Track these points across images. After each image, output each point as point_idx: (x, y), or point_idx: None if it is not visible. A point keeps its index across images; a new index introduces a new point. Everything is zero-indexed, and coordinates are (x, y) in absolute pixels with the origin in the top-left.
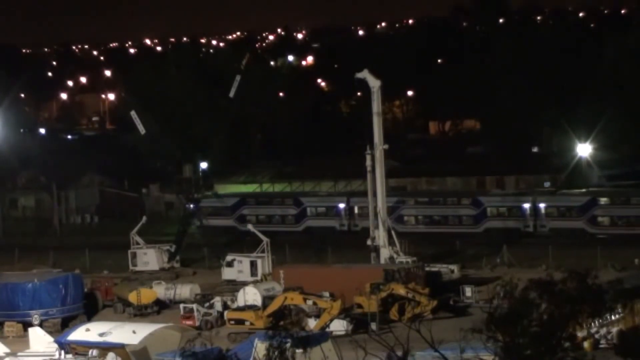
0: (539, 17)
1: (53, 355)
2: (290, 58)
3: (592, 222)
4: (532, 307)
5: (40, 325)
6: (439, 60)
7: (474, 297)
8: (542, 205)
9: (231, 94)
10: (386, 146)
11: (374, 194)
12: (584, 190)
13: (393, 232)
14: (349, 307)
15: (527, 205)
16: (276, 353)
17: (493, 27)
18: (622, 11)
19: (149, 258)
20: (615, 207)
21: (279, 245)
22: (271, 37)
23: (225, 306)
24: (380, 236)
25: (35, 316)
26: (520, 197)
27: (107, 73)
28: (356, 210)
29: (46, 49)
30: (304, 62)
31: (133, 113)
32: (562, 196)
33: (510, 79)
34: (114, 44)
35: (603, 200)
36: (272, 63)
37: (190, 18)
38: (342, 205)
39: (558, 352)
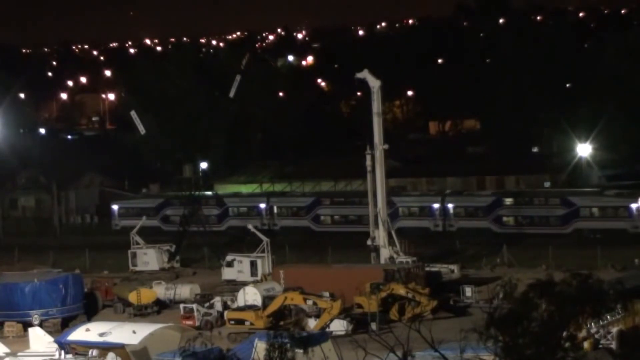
0: (539, 17)
1: (53, 355)
2: (290, 58)
3: (498, 221)
4: (532, 307)
5: (40, 325)
6: (439, 60)
7: (474, 297)
8: (450, 206)
9: (231, 94)
10: (386, 146)
11: (374, 194)
12: (489, 192)
13: (393, 232)
14: (349, 307)
15: (436, 206)
16: (276, 353)
17: (493, 27)
18: (622, 11)
19: (149, 258)
20: (519, 207)
21: (279, 245)
22: (271, 37)
23: (225, 306)
24: (380, 236)
25: (35, 316)
26: (430, 197)
27: (107, 73)
28: (275, 210)
29: (46, 49)
30: (304, 62)
31: (133, 113)
32: (470, 197)
33: (510, 79)
34: (114, 44)
35: (508, 200)
36: (272, 63)
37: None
38: (262, 205)
39: (558, 352)
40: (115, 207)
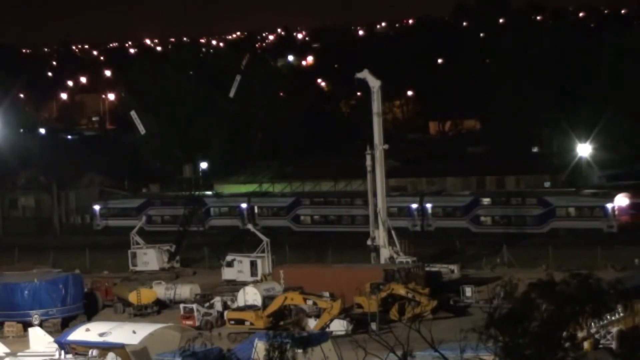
0: (539, 17)
1: (53, 355)
2: (290, 58)
3: (475, 221)
4: (532, 307)
5: (40, 325)
6: (439, 60)
7: (474, 297)
8: (428, 206)
9: (231, 94)
10: (386, 146)
11: (374, 194)
12: (467, 192)
13: (393, 232)
14: (349, 307)
15: (414, 206)
16: (276, 353)
17: (493, 27)
18: (622, 11)
19: (149, 258)
20: (496, 207)
21: (279, 245)
22: (271, 37)
23: (225, 306)
24: (380, 236)
25: (35, 316)
26: (409, 197)
27: (107, 73)
28: (256, 210)
29: (46, 49)
30: (304, 62)
31: (133, 113)
32: (448, 197)
33: (510, 79)
34: (114, 44)
35: (485, 200)
36: (272, 63)
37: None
38: (244, 205)
39: (558, 352)
40: (96, 207)
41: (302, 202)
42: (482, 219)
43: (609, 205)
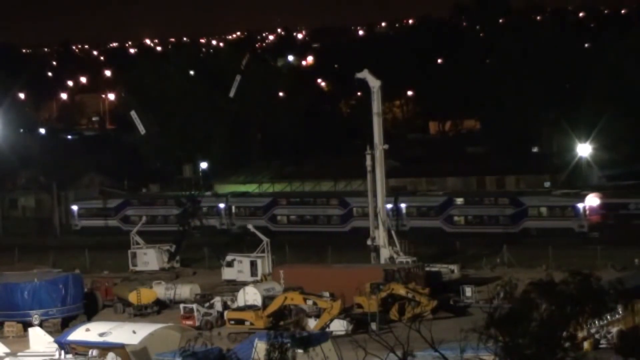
0: (539, 17)
1: (53, 355)
2: (290, 58)
3: (449, 221)
4: (532, 307)
5: (40, 325)
6: (439, 60)
7: (474, 297)
8: (403, 205)
9: (231, 94)
10: (386, 146)
11: (374, 194)
12: (441, 193)
13: (393, 232)
14: (349, 307)
15: (389, 206)
16: (276, 353)
17: (493, 27)
18: (622, 11)
19: (149, 258)
20: (469, 207)
21: (279, 245)
22: (271, 37)
23: (225, 306)
24: (380, 236)
25: (35, 316)
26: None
27: (107, 73)
28: (234, 210)
29: (46, 49)
30: (304, 62)
31: (133, 113)
32: (422, 197)
33: (510, 79)
34: (114, 44)
35: (459, 200)
36: (272, 63)
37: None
38: (221, 205)
39: (558, 352)
40: (74, 207)
41: (278, 202)
42: (456, 218)
43: (580, 205)
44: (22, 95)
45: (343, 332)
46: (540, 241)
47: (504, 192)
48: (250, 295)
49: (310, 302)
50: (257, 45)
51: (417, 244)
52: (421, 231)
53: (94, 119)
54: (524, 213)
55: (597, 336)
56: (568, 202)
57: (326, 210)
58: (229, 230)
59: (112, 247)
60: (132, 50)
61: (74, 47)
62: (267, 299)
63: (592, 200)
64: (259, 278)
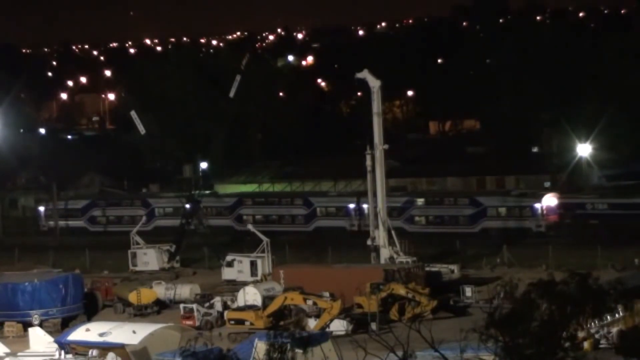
0: (539, 17)
1: (53, 355)
2: (290, 58)
3: (410, 221)
4: (532, 307)
5: (40, 325)
6: (439, 60)
7: (474, 297)
8: (365, 206)
9: (231, 94)
10: (386, 146)
11: (374, 194)
12: (400, 193)
13: (393, 232)
14: (349, 307)
15: (352, 206)
16: (276, 353)
17: (493, 27)
18: (622, 11)
19: (149, 258)
20: (430, 208)
21: (279, 246)
22: (271, 37)
23: (225, 306)
24: (380, 236)
25: (35, 316)
26: (346, 197)
27: (107, 73)
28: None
29: (46, 49)
30: (304, 62)
31: (133, 113)
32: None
33: (510, 79)
34: (114, 44)
35: (420, 200)
36: (272, 63)
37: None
38: (188, 206)
39: (558, 352)
40: (41, 208)
41: (244, 202)
42: (417, 218)
43: (538, 205)
44: (22, 95)
45: (343, 332)
46: (540, 241)
47: (464, 193)
48: (250, 295)
49: (310, 302)
50: (257, 45)
51: (417, 244)
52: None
53: (94, 119)
54: (483, 213)
55: (597, 336)
56: (526, 202)
57: (290, 210)
58: (196, 230)
59: (112, 247)
60: (132, 50)
61: (74, 47)
62: (267, 299)
63: (550, 200)
64: (259, 278)
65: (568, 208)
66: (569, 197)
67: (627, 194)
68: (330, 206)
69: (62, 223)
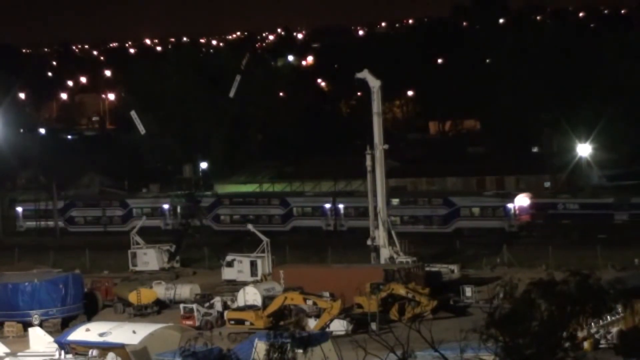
0: (538, 17)
1: (53, 355)
2: (290, 58)
3: None
4: (532, 307)
5: (40, 325)
6: (439, 61)
7: (474, 297)
8: (341, 206)
9: (231, 94)
10: (386, 146)
11: (374, 194)
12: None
13: (393, 232)
14: (349, 307)
15: (328, 206)
16: (276, 353)
17: (493, 27)
18: (622, 11)
19: (149, 258)
20: (404, 208)
21: (279, 246)
22: (271, 37)
23: (225, 306)
24: (380, 236)
25: (35, 316)
26: (322, 197)
27: (107, 73)
28: (179, 210)
29: (46, 49)
30: (304, 62)
31: (133, 113)
32: (359, 197)
33: (510, 79)
34: (114, 44)
35: (394, 201)
36: (272, 63)
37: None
38: (165, 206)
39: (558, 352)
40: (19, 209)
41: (222, 202)
42: (392, 218)
43: (510, 205)
44: (22, 95)
45: (343, 332)
46: (541, 241)
47: (438, 193)
48: (250, 295)
49: (310, 302)
50: (257, 45)
51: (417, 244)
52: (358, 231)
53: (94, 119)
54: (457, 213)
55: (597, 336)
56: (499, 202)
57: (268, 210)
58: (174, 230)
59: (112, 247)
60: (132, 50)
61: (74, 47)
62: (267, 299)
63: (522, 201)
64: (259, 278)
65: (540, 208)
66: (541, 197)
67: (600, 195)
68: (307, 206)
69: (38, 224)
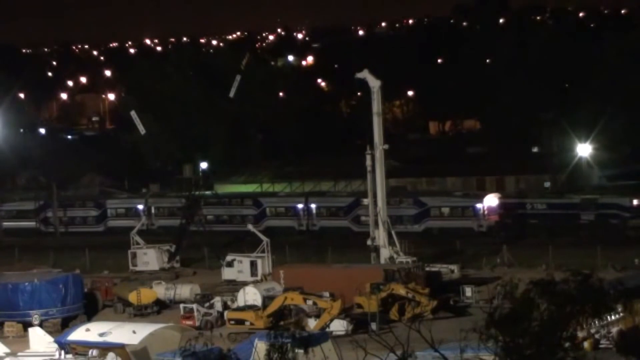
0: (539, 17)
1: (53, 355)
2: (290, 58)
3: (356, 221)
4: (532, 307)
5: (40, 325)
6: (439, 60)
7: (474, 297)
8: (313, 206)
9: (231, 94)
10: (386, 146)
11: (374, 194)
12: (345, 193)
13: (393, 232)
14: (349, 307)
15: (300, 206)
16: (276, 353)
17: (493, 27)
18: (622, 11)
19: (149, 258)
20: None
21: (279, 245)
22: (271, 37)
23: (225, 306)
24: (380, 236)
25: (35, 316)
26: (295, 197)
27: (107, 73)
28: (153, 210)
29: (46, 49)
30: (304, 62)
31: (133, 113)
32: (331, 197)
33: (510, 79)
34: (114, 44)
35: (365, 201)
36: (272, 63)
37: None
38: (140, 207)
39: (558, 352)
40: None
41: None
42: (363, 218)
43: (479, 205)
44: (22, 95)
45: (343, 332)
46: (541, 241)
47: (408, 192)
48: (250, 295)
49: (310, 302)
50: (257, 45)
51: (417, 244)
52: (330, 231)
53: (94, 119)
54: (427, 213)
55: (597, 336)
56: (468, 202)
57: (241, 210)
58: (149, 230)
59: (112, 247)
60: (132, 50)
61: (74, 47)
62: (267, 299)
63: (491, 201)
64: (259, 278)
65: (508, 208)
66: (510, 197)
67: (574, 194)
68: (280, 206)
69: (18, 224)
